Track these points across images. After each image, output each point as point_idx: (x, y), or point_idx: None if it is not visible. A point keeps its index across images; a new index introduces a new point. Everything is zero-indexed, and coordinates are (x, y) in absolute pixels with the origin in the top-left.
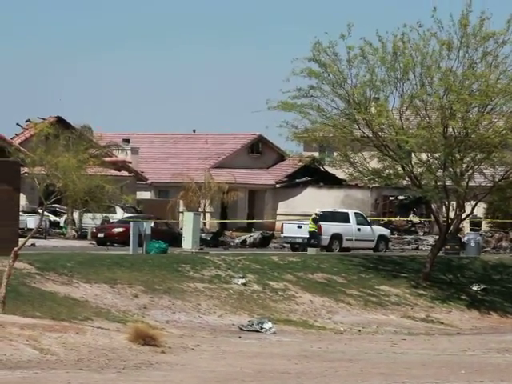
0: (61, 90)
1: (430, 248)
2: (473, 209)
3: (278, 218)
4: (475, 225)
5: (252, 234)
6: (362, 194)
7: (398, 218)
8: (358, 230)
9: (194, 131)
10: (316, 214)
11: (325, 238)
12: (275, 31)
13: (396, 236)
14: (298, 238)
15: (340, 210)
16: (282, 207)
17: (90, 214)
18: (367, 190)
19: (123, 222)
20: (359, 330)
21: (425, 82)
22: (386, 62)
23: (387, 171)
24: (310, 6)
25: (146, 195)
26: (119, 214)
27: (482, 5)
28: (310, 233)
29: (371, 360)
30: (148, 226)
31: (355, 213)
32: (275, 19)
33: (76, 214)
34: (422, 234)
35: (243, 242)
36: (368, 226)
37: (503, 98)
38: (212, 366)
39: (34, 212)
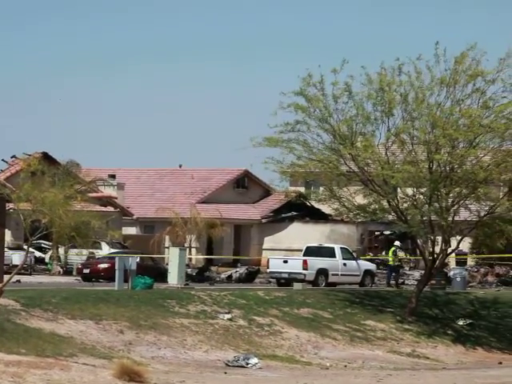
0: (46, 126)
1: (415, 283)
2: (458, 244)
3: (263, 252)
4: (461, 259)
5: (238, 269)
6: (347, 228)
7: (383, 254)
8: (344, 264)
9: (180, 166)
10: (395, 245)
11: (310, 273)
12: (262, 67)
13: (382, 270)
14: (284, 272)
15: (326, 245)
16: (268, 242)
17: (75, 250)
18: (353, 225)
19: (109, 258)
20: (345, 366)
21: (413, 115)
22: (372, 97)
23: (373, 206)
24: (298, 40)
25: (131, 230)
26: (105, 250)
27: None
28: (391, 267)
29: None
30: (133, 262)
31: (341, 248)
32: (262, 54)
33: (61, 250)
34: (407, 268)
35: (229, 277)
36: (354, 261)
37: (488, 133)
38: None
39: (19, 248)
